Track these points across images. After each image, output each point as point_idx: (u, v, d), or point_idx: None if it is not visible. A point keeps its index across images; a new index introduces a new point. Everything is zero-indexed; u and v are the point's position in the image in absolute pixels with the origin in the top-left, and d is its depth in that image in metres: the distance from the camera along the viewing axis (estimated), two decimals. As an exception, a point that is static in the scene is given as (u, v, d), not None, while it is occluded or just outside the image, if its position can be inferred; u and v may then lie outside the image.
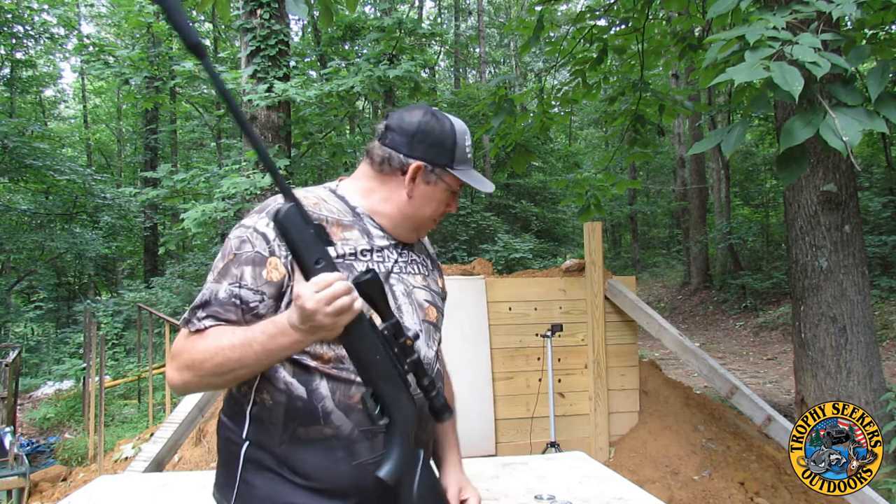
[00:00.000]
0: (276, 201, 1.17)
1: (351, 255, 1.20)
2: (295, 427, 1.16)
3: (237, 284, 1.13)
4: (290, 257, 1.12)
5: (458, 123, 1.27)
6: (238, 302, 1.12)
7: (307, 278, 0.99)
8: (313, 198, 1.24)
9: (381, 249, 1.26)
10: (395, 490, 1.08)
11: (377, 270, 1.17)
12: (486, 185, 1.29)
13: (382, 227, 1.28)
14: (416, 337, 1.12)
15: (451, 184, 1.27)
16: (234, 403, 1.23)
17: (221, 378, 1.10)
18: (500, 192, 15.65)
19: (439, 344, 1.39)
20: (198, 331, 1.12)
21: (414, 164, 1.23)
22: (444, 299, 1.43)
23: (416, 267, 1.34)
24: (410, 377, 1.10)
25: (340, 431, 1.16)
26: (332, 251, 1.12)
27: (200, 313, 1.13)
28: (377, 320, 1.07)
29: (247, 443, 1.19)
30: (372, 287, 1.04)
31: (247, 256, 1.14)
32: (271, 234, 1.14)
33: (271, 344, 1.04)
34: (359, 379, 1.15)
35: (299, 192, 1.22)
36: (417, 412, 1.13)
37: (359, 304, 1.01)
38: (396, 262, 1.28)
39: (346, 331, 1.02)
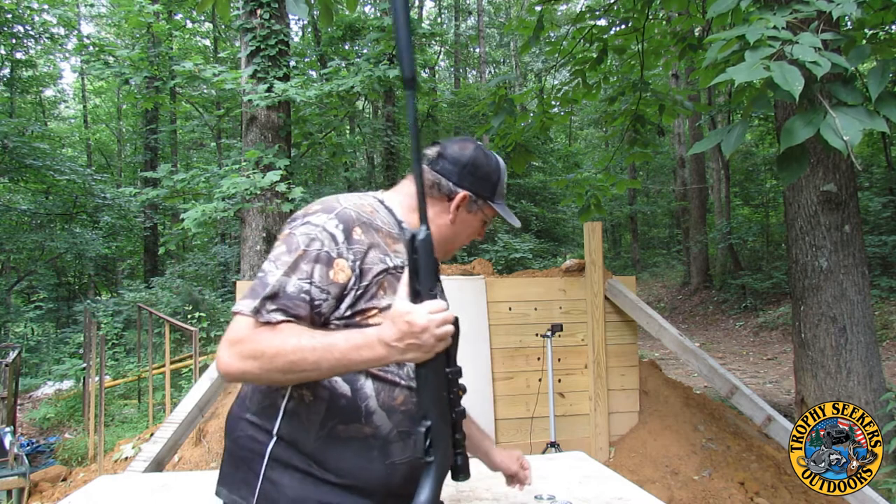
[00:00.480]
0: (339, 202, 1.23)
1: (401, 267, 1.23)
2: (334, 425, 1.18)
3: (308, 281, 1.14)
4: (357, 262, 1.17)
5: (502, 162, 1.40)
6: (308, 298, 1.13)
7: (417, 300, 1.04)
8: (368, 206, 1.28)
9: None
10: None
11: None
12: (515, 220, 1.42)
13: None
14: (465, 391, 1.14)
15: (488, 215, 1.39)
16: (262, 398, 1.23)
17: (286, 376, 1.10)
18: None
19: None
20: (268, 322, 1.11)
21: (462, 193, 1.32)
22: None
23: None
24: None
25: (379, 431, 1.19)
26: (389, 262, 1.21)
27: (270, 305, 1.12)
28: None
29: (274, 439, 1.19)
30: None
31: (316, 254, 1.15)
32: (340, 236, 1.17)
33: (353, 354, 1.06)
34: (403, 381, 1.21)
35: (354, 197, 1.28)
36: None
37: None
38: None
39: (433, 359, 1.05)
